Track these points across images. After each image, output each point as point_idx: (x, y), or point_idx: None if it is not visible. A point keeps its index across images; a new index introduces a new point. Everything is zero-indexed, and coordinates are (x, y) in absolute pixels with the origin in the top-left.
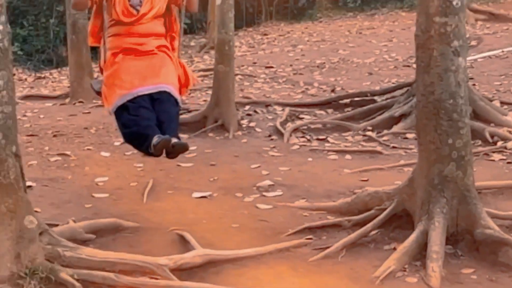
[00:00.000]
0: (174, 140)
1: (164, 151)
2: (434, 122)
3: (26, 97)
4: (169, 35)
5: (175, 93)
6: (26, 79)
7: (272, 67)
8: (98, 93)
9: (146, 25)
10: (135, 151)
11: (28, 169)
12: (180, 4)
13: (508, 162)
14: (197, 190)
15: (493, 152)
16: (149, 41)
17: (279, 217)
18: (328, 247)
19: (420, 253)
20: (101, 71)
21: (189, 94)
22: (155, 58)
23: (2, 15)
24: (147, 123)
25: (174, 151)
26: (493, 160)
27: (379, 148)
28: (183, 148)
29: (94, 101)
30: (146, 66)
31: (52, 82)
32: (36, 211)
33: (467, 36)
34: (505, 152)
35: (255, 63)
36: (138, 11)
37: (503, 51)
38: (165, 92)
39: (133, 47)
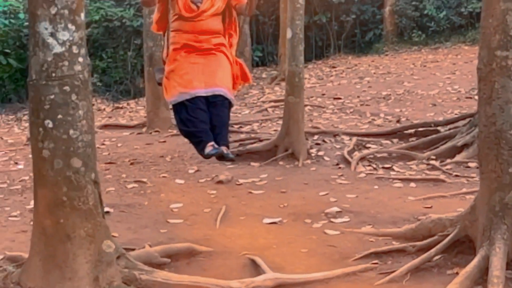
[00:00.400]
0: (224, 151)
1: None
2: (496, 152)
3: (105, 127)
4: (227, 33)
5: (229, 95)
6: (104, 109)
7: (340, 98)
8: (159, 83)
9: (205, 22)
10: (209, 178)
11: (106, 195)
12: (237, 7)
13: None
14: (268, 216)
15: None
16: (208, 39)
17: (346, 242)
18: (393, 272)
19: (482, 278)
20: (163, 62)
21: (261, 124)
22: (213, 58)
23: (82, 48)
24: (203, 127)
25: (224, 160)
26: None
27: (442, 177)
28: (230, 160)
29: (169, 130)
30: (204, 67)
31: (130, 112)
32: (113, 236)
33: None
34: None
35: (323, 94)
36: (198, 7)
37: None
38: (220, 95)
39: (193, 44)
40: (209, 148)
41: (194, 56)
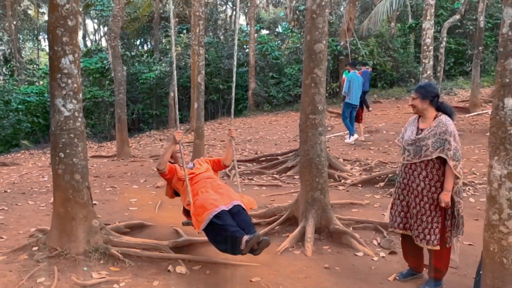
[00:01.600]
0: (261, 236)
1: (250, 249)
2: (309, 170)
3: (93, 157)
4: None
5: (245, 207)
6: (93, 147)
7: (224, 140)
8: (187, 224)
9: (204, 173)
10: (151, 185)
11: (94, 194)
12: (222, 167)
13: (347, 191)
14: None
15: (339, 185)
16: (214, 180)
17: None
18: None
19: (302, 238)
20: (184, 211)
21: None
22: (224, 187)
23: (80, 113)
24: (235, 229)
25: (259, 248)
26: (339, 189)
27: (280, 183)
28: (267, 244)
29: (129, 159)
30: (219, 195)
31: (107, 148)
32: (98, 217)
33: (326, 125)
34: (345, 185)
35: (215, 138)
36: (192, 168)
37: (344, 133)
38: (239, 205)
39: (205, 185)
40: (245, 238)
41: (209, 191)
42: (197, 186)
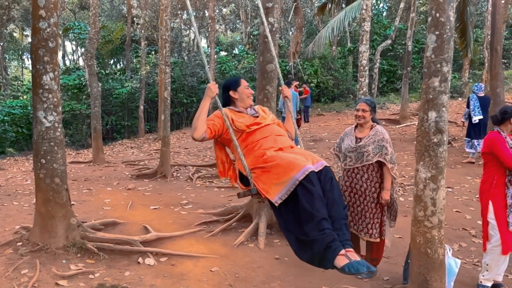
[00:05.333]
0: (371, 266)
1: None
2: None
3: (71, 162)
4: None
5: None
6: (71, 154)
7: (187, 148)
8: (247, 194)
9: (271, 126)
10: (123, 187)
11: (72, 196)
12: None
13: None
14: (152, 205)
15: None
16: (285, 139)
17: (190, 217)
18: (213, 231)
19: (255, 233)
20: (240, 178)
21: (149, 160)
22: (298, 149)
23: (60, 124)
24: (327, 227)
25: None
26: None
27: (237, 186)
28: (372, 275)
29: (104, 164)
30: (296, 154)
31: (84, 155)
32: (76, 216)
33: None
34: None
35: (179, 146)
36: (257, 117)
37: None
38: (329, 169)
39: (275, 143)
40: (345, 260)
41: (281, 152)
42: (264, 142)
